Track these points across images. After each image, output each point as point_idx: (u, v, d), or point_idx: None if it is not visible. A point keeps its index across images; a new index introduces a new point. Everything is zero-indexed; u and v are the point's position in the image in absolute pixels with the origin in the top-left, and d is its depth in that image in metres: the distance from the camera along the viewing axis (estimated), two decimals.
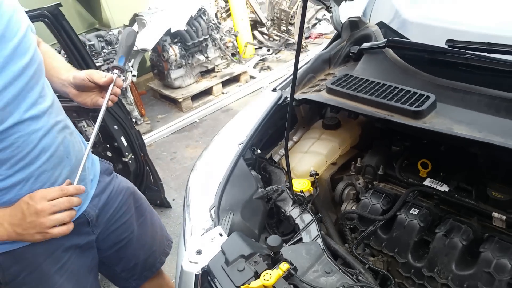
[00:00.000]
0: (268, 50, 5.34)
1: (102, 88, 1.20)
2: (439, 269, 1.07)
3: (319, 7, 5.24)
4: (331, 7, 1.73)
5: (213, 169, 1.40)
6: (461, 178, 1.21)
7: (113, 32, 3.87)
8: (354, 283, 0.98)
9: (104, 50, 3.71)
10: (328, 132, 1.55)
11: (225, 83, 4.67)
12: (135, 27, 4.26)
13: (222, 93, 4.60)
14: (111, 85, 1.18)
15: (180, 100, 4.37)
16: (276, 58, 5.24)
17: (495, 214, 1.08)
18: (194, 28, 4.34)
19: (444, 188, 1.19)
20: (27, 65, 0.99)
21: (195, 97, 4.49)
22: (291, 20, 5.18)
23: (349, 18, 1.78)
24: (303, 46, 5.14)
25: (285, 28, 5.30)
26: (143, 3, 4.48)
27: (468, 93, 1.29)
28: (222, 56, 4.79)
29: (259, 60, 5.14)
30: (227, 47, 4.80)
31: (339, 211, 1.39)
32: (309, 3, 5.15)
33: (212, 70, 4.78)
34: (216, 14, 5.03)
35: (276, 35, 5.43)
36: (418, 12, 1.65)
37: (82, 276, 1.31)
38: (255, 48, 5.36)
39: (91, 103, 1.21)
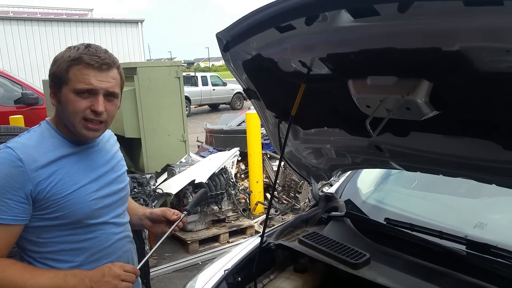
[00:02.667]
0: (276, 211, 5.96)
1: (170, 222, 1.64)
2: None
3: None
4: (311, 183, 2.36)
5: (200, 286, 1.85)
6: None
7: (146, 176, 4.63)
8: None
9: (135, 190, 4.41)
10: (296, 274, 2.01)
11: (232, 234, 5.18)
12: (165, 175, 5.05)
13: (228, 241, 5.07)
14: (178, 221, 1.61)
15: (188, 242, 4.84)
16: (282, 219, 5.81)
17: None
18: (214, 183, 5.09)
19: None
20: (121, 190, 1.51)
21: (203, 241, 4.96)
22: (299, 189, 5.93)
23: (325, 192, 2.40)
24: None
25: (293, 195, 6.01)
26: (176, 157, 5.36)
27: (396, 257, 1.78)
28: (234, 210, 5.42)
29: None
30: (240, 202, 5.47)
31: None
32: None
33: (223, 220, 5.35)
34: (236, 175, 5.86)
35: (285, 200, 6.13)
36: (373, 196, 2.27)
37: None
38: (264, 208, 6.00)
39: (161, 231, 1.65)
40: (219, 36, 1.49)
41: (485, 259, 1.56)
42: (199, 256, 4.72)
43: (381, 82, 1.19)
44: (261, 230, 5.45)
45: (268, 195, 6.29)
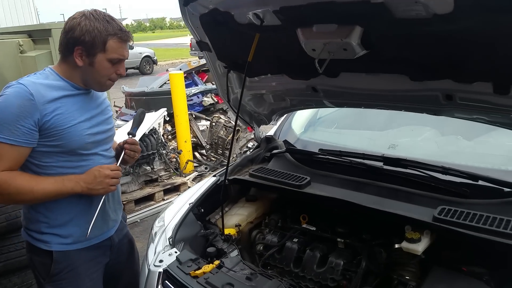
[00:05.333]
0: (206, 168, 6.25)
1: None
2: (307, 270, 1.82)
3: (250, 138, 6.45)
4: (254, 127, 2.69)
5: (170, 218, 2.11)
6: (323, 223, 2.04)
7: None
8: (258, 273, 1.70)
9: None
10: (249, 203, 2.36)
11: (166, 192, 5.39)
12: None
13: (163, 199, 5.28)
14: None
15: (124, 203, 4.95)
16: (213, 176, 6.13)
17: (338, 239, 1.90)
18: (145, 143, 5.19)
19: (313, 228, 2.01)
20: (109, 130, 1.79)
21: (138, 201, 5.11)
22: (226, 145, 6.26)
23: (265, 135, 2.75)
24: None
25: (221, 152, 6.34)
26: None
27: (330, 177, 2.20)
28: (166, 169, 5.60)
29: (198, 175, 6.00)
30: (171, 161, 5.66)
31: (254, 248, 2.12)
32: (241, 135, 6.29)
33: (156, 180, 5.52)
34: (162, 135, 5.99)
35: (213, 157, 6.43)
36: (306, 135, 2.67)
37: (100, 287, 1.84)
38: (195, 166, 6.26)
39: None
40: None
41: (397, 171, 2.04)
42: (136, 215, 4.88)
43: (324, 29, 1.52)
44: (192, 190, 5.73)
45: (197, 154, 6.54)
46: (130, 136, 1.84)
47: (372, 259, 1.80)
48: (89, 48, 1.57)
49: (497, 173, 1.87)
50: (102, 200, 1.69)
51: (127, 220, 4.68)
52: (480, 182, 1.83)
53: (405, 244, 1.65)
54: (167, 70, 9.18)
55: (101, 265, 1.83)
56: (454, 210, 1.66)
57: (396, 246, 1.75)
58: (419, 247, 1.62)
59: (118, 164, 1.77)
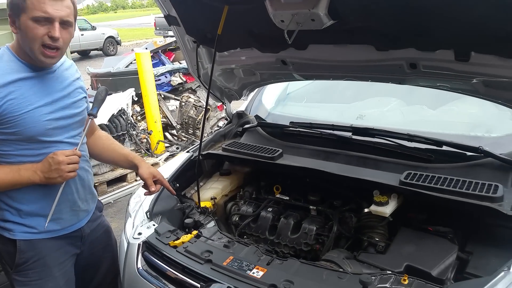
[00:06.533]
0: (177, 148, 6.22)
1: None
2: (282, 237, 1.89)
3: (221, 117, 6.44)
4: (225, 103, 2.70)
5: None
6: (295, 192, 2.11)
7: None
8: (235, 241, 1.75)
9: None
10: (223, 177, 2.39)
11: None
12: None
13: (136, 180, 5.24)
14: (87, 124, 1.69)
15: (96, 185, 4.89)
16: (186, 151, 6.12)
17: (311, 207, 1.97)
18: (114, 124, 5.11)
19: (286, 198, 2.07)
20: (77, 114, 1.65)
21: (110, 182, 5.05)
22: (197, 125, 6.24)
23: (237, 111, 2.77)
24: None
25: (192, 131, 6.31)
26: None
27: (302, 149, 2.26)
28: (137, 150, 5.54)
29: (169, 155, 5.97)
30: (142, 142, 5.60)
31: (229, 220, 2.17)
32: (212, 114, 6.26)
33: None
34: (132, 116, 5.89)
35: (184, 137, 6.40)
36: (277, 109, 2.71)
37: (71, 278, 1.77)
38: (166, 146, 6.22)
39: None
40: None
41: (365, 140, 2.12)
42: (109, 196, 4.83)
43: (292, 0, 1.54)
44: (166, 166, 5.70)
45: (168, 134, 6.49)
46: (91, 117, 1.71)
47: (343, 224, 1.89)
48: (14, 11, 1.44)
49: (460, 138, 1.97)
50: (61, 189, 1.55)
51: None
52: (444, 148, 1.92)
53: (373, 207, 1.73)
54: (132, 50, 8.95)
55: (71, 255, 1.75)
56: (420, 174, 1.75)
57: (366, 210, 1.84)
58: (387, 210, 1.71)
59: (77, 148, 1.60)
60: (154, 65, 6.94)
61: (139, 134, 5.56)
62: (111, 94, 5.84)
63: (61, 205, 1.62)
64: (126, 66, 7.33)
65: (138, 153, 5.57)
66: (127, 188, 4.99)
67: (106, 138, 1.98)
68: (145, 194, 1.91)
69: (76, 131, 1.68)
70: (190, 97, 6.39)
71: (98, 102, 1.74)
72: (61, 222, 1.66)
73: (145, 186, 1.89)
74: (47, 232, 1.62)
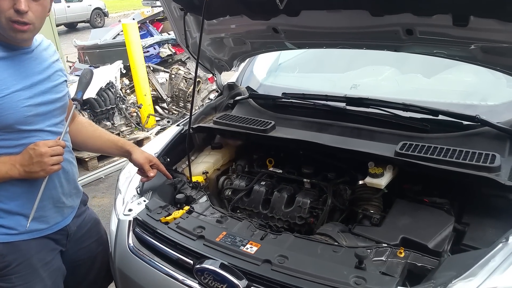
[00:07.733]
0: (168, 122, 6.13)
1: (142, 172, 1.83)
2: (276, 211, 1.86)
3: (212, 89, 6.33)
4: (215, 74, 2.61)
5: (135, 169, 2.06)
6: (289, 165, 2.07)
7: None
8: (228, 216, 1.71)
9: None
10: (214, 151, 2.33)
11: None
12: None
13: None
14: (72, 111, 1.60)
15: (86, 160, 4.82)
16: (176, 125, 6.04)
17: (305, 180, 1.93)
18: (102, 98, 4.99)
19: (280, 171, 2.03)
20: (58, 99, 1.51)
21: (101, 157, 4.99)
22: (188, 98, 6.13)
23: (228, 82, 2.69)
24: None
25: (182, 104, 6.21)
26: None
27: (295, 120, 2.20)
28: (127, 124, 5.44)
29: (160, 129, 5.89)
30: (132, 116, 5.50)
31: (222, 194, 2.13)
32: (202, 87, 6.16)
33: (117, 135, 5.36)
34: (121, 89, 5.76)
35: (175, 110, 6.30)
36: (268, 80, 2.63)
37: (59, 278, 1.65)
38: (157, 120, 6.13)
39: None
40: None
41: (360, 110, 2.06)
42: (100, 171, 4.78)
43: None
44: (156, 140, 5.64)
45: (158, 108, 6.39)
46: (75, 103, 1.58)
47: (337, 196, 1.85)
48: None
49: (456, 107, 1.92)
50: (44, 184, 1.42)
51: (92, 177, 4.61)
52: (440, 117, 1.88)
53: (368, 179, 1.70)
54: (119, 21, 8.69)
55: (57, 252, 1.63)
56: (415, 144, 1.71)
57: (360, 182, 1.81)
58: (382, 181, 1.67)
59: (61, 138, 1.46)
60: (142, 36, 6.76)
61: (128, 108, 5.45)
62: (98, 67, 5.70)
63: (44, 202, 1.49)
64: (113, 38, 7.14)
65: (128, 127, 5.48)
66: (118, 163, 4.92)
67: (88, 124, 1.87)
68: (141, 181, 1.85)
69: (58, 118, 1.54)
70: (180, 69, 6.25)
71: (83, 85, 1.61)
72: (44, 221, 1.53)
73: (140, 172, 1.83)
74: (30, 232, 1.50)
